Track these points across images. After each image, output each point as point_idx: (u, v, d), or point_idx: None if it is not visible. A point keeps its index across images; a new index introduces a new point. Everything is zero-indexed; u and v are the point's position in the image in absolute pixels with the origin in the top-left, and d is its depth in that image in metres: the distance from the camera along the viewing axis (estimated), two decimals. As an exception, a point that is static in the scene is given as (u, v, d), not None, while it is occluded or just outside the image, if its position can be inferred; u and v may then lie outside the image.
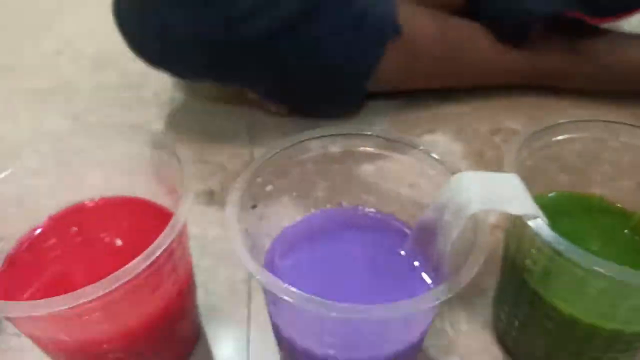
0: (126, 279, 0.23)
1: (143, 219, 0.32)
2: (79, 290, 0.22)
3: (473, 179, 0.26)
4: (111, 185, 0.34)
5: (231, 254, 0.40)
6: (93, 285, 0.22)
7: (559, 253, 0.25)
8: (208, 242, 0.42)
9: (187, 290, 0.30)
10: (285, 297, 0.22)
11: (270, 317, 0.28)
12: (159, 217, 0.32)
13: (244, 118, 0.55)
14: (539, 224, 0.25)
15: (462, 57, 0.54)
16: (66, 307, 0.22)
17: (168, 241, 0.24)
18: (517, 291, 0.31)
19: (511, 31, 0.53)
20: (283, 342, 0.28)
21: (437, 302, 0.22)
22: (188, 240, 0.30)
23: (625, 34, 0.56)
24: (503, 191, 0.26)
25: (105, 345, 0.28)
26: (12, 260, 0.30)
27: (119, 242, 0.32)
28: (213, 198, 0.45)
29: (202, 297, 0.35)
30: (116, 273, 0.23)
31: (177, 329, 0.31)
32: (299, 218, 0.33)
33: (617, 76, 0.54)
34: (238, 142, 0.52)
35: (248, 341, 0.35)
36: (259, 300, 0.38)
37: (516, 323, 0.32)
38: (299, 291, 0.22)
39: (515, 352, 0.34)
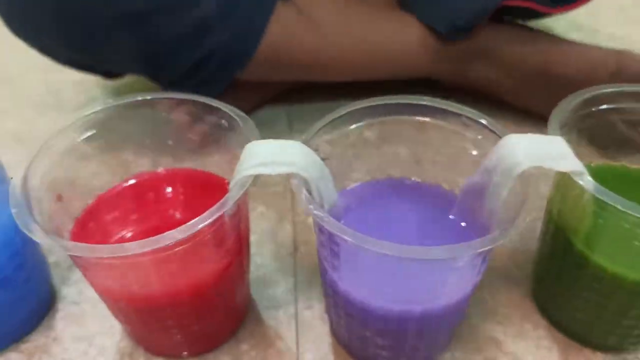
0: (201, 226, 0.25)
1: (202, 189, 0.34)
2: (163, 234, 0.24)
3: (522, 140, 0.28)
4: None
5: (275, 230, 0.43)
6: (176, 229, 0.24)
7: (605, 206, 0.26)
8: (253, 219, 0.43)
9: (245, 251, 0.32)
10: (350, 239, 0.24)
11: (325, 273, 0.30)
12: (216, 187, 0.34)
13: (284, 106, 0.57)
14: (586, 179, 0.27)
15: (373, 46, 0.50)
16: (150, 249, 0.24)
17: (240, 193, 0.26)
18: (562, 256, 0.32)
19: (445, 35, 0.49)
20: (337, 299, 0.30)
21: (493, 245, 0.24)
22: (247, 200, 0.32)
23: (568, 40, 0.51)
24: (551, 150, 0.27)
25: (165, 300, 0.29)
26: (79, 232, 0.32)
27: (178, 214, 0.34)
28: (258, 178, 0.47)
29: (251, 271, 0.37)
30: (192, 221, 0.25)
31: (235, 291, 0.33)
32: (349, 187, 0.34)
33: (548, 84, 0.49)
34: (278, 128, 0.54)
35: (296, 308, 0.37)
36: (304, 271, 0.39)
37: (559, 289, 0.33)
38: (367, 236, 0.24)
39: (556, 319, 0.35)
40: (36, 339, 0.36)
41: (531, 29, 0.52)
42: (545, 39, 0.51)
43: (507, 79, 0.51)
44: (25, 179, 0.28)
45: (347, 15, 0.50)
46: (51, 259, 0.40)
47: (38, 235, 0.25)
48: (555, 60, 0.49)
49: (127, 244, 0.24)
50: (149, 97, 0.34)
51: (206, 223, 0.25)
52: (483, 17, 0.48)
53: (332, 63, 0.50)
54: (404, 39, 0.50)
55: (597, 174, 0.29)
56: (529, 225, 0.40)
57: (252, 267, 0.39)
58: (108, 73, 0.53)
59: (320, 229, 0.28)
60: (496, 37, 0.50)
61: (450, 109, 0.32)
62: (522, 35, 0.51)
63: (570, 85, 0.47)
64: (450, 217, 0.32)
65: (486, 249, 0.24)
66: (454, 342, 0.34)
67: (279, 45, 0.47)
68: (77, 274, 0.40)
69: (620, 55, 0.47)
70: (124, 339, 0.35)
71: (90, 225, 0.33)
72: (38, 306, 0.36)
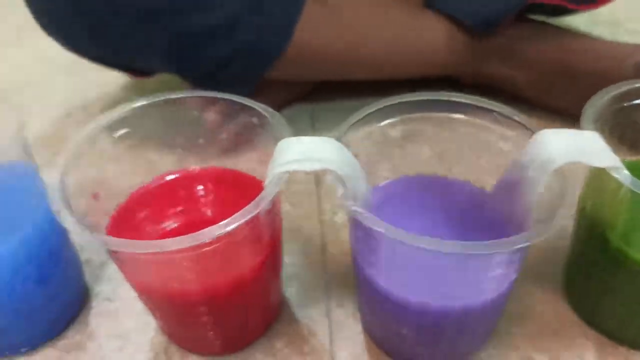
0: (240, 223, 0.25)
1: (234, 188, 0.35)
2: (202, 231, 0.24)
3: (557, 135, 0.28)
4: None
5: (302, 229, 0.43)
6: (215, 226, 0.25)
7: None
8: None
9: (279, 248, 0.32)
10: (390, 235, 0.24)
11: (361, 270, 0.30)
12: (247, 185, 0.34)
13: (307, 104, 0.57)
14: (623, 174, 0.27)
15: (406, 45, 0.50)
16: (190, 245, 0.24)
17: (277, 189, 0.26)
18: (597, 253, 0.32)
19: (474, 29, 0.50)
20: (374, 295, 0.30)
21: (535, 240, 0.24)
22: (280, 197, 0.32)
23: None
24: (586, 145, 0.27)
25: (202, 296, 0.29)
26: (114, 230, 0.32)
27: (209, 212, 0.35)
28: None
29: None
30: (231, 218, 0.25)
31: (270, 288, 0.33)
32: (379, 184, 0.34)
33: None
34: (301, 126, 0.54)
35: (328, 306, 0.37)
36: (334, 268, 0.40)
37: (593, 287, 0.33)
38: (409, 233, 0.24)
39: (590, 317, 0.35)
40: (72, 336, 0.36)
41: (552, 26, 0.52)
42: (567, 35, 0.51)
43: (530, 76, 0.51)
44: (62, 179, 0.28)
45: (374, 13, 0.50)
46: (83, 256, 0.41)
47: (80, 232, 0.26)
48: (578, 55, 0.49)
49: (167, 240, 0.25)
50: (178, 96, 0.34)
51: (245, 220, 0.25)
52: (512, 12, 0.48)
53: (358, 60, 0.50)
54: (430, 36, 0.50)
55: (630, 170, 0.28)
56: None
57: (283, 266, 0.39)
58: (135, 71, 0.53)
59: (357, 225, 0.28)
60: (519, 35, 0.50)
61: (482, 105, 0.31)
62: (544, 32, 0.51)
63: (593, 80, 0.47)
64: (483, 214, 0.32)
65: (529, 244, 0.24)
66: (488, 340, 0.34)
67: (307, 42, 0.47)
68: (109, 272, 0.40)
69: None
70: (158, 335, 0.36)
71: (124, 223, 0.33)
72: (73, 303, 0.37)
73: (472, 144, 0.32)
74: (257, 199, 0.26)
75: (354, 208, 0.25)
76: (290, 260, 0.40)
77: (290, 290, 0.38)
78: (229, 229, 0.25)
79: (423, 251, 0.24)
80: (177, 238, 0.25)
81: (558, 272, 0.38)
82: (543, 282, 0.38)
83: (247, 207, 0.26)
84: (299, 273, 0.39)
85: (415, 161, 0.35)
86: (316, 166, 0.26)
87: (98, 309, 0.38)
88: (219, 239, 0.25)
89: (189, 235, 0.25)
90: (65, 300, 0.36)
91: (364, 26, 0.49)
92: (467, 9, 0.50)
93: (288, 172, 0.27)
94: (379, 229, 0.24)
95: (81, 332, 0.36)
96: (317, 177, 0.48)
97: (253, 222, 0.27)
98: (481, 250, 0.23)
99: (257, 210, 0.25)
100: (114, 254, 0.29)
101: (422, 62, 0.51)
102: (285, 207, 0.45)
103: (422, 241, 0.23)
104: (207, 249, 0.26)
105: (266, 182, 0.27)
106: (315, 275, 0.39)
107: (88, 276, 0.40)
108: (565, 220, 0.25)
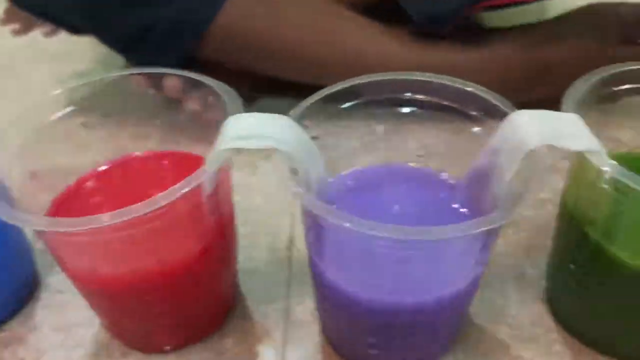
0: (167, 201, 0.23)
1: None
2: (129, 207, 0.22)
3: (530, 117, 0.25)
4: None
5: (272, 222, 0.40)
6: (142, 203, 0.22)
7: (626, 191, 0.23)
8: (250, 210, 0.41)
9: (229, 238, 0.30)
10: (337, 221, 0.21)
11: (313, 265, 0.27)
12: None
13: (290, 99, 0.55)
14: (603, 159, 0.24)
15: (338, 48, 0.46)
16: (115, 222, 0.22)
17: (214, 169, 0.24)
18: (577, 250, 0.29)
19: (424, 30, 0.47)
20: (326, 291, 0.27)
21: (489, 227, 0.21)
22: (231, 183, 0.29)
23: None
24: (562, 127, 0.24)
25: (145, 284, 0.27)
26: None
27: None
28: (256, 169, 0.45)
29: (242, 263, 0.35)
30: (159, 195, 0.23)
31: (217, 281, 0.31)
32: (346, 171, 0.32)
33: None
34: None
35: (288, 304, 0.34)
36: (299, 265, 0.37)
37: (573, 289, 0.30)
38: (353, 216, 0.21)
39: (571, 323, 0.32)
40: (14, 328, 0.34)
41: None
42: (529, 31, 0.48)
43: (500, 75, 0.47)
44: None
45: (312, 8, 0.47)
46: (38, 245, 0.39)
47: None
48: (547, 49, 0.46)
49: (92, 217, 0.23)
50: (134, 72, 0.32)
51: (176, 197, 0.23)
52: (461, 10, 0.45)
53: (287, 54, 0.46)
54: (377, 45, 0.47)
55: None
56: (547, 221, 0.38)
57: (245, 260, 0.36)
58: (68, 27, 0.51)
59: (306, 212, 0.25)
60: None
61: (454, 84, 0.29)
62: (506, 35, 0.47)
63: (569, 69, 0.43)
64: (454, 205, 0.30)
65: (479, 230, 0.21)
66: (456, 344, 0.31)
67: (235, 24, 0.45)
68: (62, 262, 0.38)
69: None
70: (102, 331, 0.33)
71: (67, 208, 0.31)
72: (19, 293, 0.35)
73: (445, 129, 0.30)
74: (191, 176, 0.24)
75: (294, 189, 0.23)
76: (255, 254, 0.38)
77: (250, 286, 0.36)
78: (158, 205, 0.22)
79: (371, 239, 0.22)
80: (103, 215, 0.22)
81: (541, 274, 0.35)
82: (524, 284, 0.35)
83: (180, 183, 0.23)
84: (261, 268, 0.37)
85: (382, 146, 0.32)
86: (262, 143, 0.24)
87: (46, 301, 0.36)
88: (150, 218, 0.23)
89: (115, 212, 0.22)
90: (11, 289, 0.34)
91: (297, 15, 0.46)
92: (417, 5, 0.46)
93: (229, 150, 0.24)
94: (318, 213, 0.21)
95: (24, 324, 0.34)
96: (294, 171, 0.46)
97: (192, 203, 0.25)
98: (428, 236, 0.20)
99: (187, 189, 0.23)
100: (43, 236, 0.27)
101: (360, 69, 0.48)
102: (256, 201, 0.43)
103: (366, 226, 0.20)
104: (141, 228, 0.24)
105: (207, 162, 0.25)
106: (279, 271, 0.37)
107: (41, 266, 0.37)
108: (522, 204, 0.22)
